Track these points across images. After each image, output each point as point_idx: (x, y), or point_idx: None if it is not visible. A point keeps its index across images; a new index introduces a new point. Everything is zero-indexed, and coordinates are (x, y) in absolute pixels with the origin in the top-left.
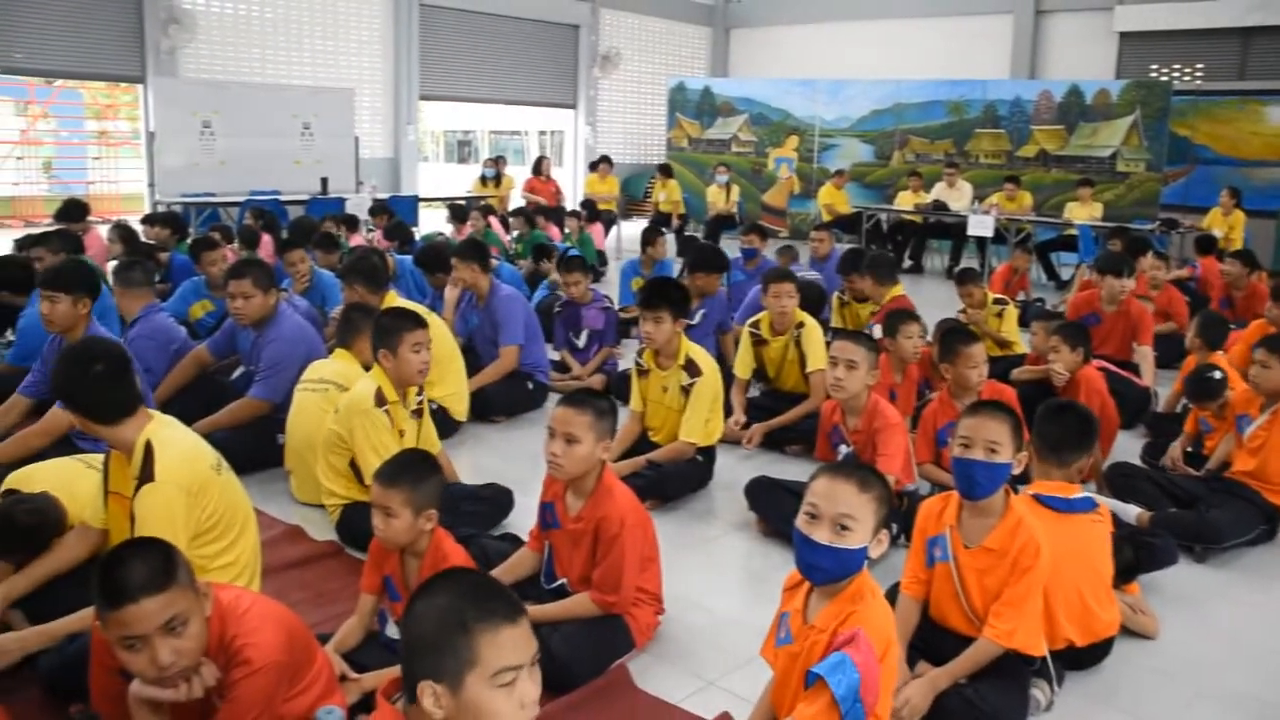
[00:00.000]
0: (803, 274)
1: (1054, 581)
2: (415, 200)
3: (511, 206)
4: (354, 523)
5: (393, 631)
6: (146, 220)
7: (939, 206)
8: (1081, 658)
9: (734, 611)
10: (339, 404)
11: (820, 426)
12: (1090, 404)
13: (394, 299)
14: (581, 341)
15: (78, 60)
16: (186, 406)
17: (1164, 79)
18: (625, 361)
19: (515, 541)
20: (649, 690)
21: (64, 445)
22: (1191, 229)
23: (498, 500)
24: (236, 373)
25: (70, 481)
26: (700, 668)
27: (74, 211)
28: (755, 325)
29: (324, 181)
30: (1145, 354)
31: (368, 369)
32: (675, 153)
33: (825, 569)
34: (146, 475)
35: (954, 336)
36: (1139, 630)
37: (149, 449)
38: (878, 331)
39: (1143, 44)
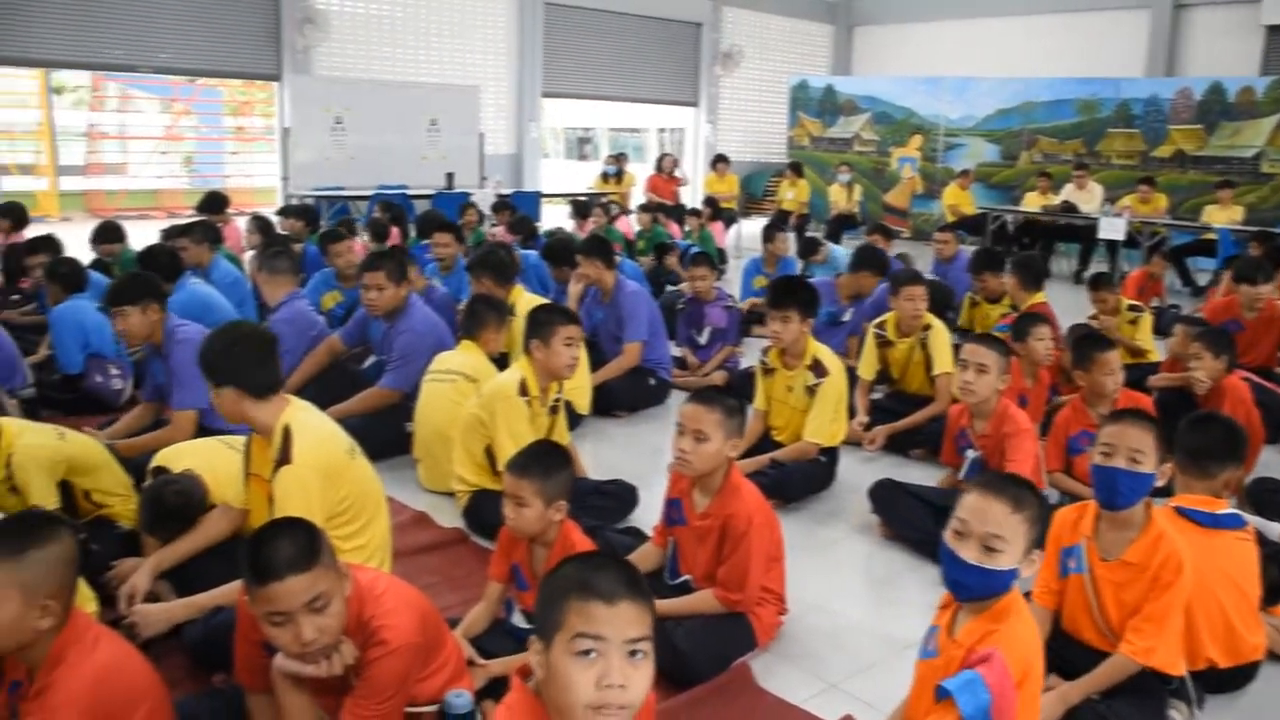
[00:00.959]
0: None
1: (1197, 599)
2: (538, 196)
3: (632, 204)
4: (482, 510)
5: (519, 620)
6: (282, 212)
7: (1068, 208)
8: (1224, 681)
9: (856, 615)
10: (483, 388)
11: (947, 430)
12: (1235, 415)
13: (520, 293)
14: (704, 339)
15: (219, 60)
16: (318, 393)
17: None
18: (747, 360)
19: (639, 536)
20: (771, 690)
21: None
22: None
23: (623, 496)
24: (368, 361)
25: (212, 461)
26: (823, 670)
27: (214, 203)
28: (881, 326)
29: (449, 177)
30: None
31: (493, 360)
32: (796, 151)
33: (970, 587)
34: (284, 457)
35: (1089, 342)
36: None
37: (287, 432)
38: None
39: None
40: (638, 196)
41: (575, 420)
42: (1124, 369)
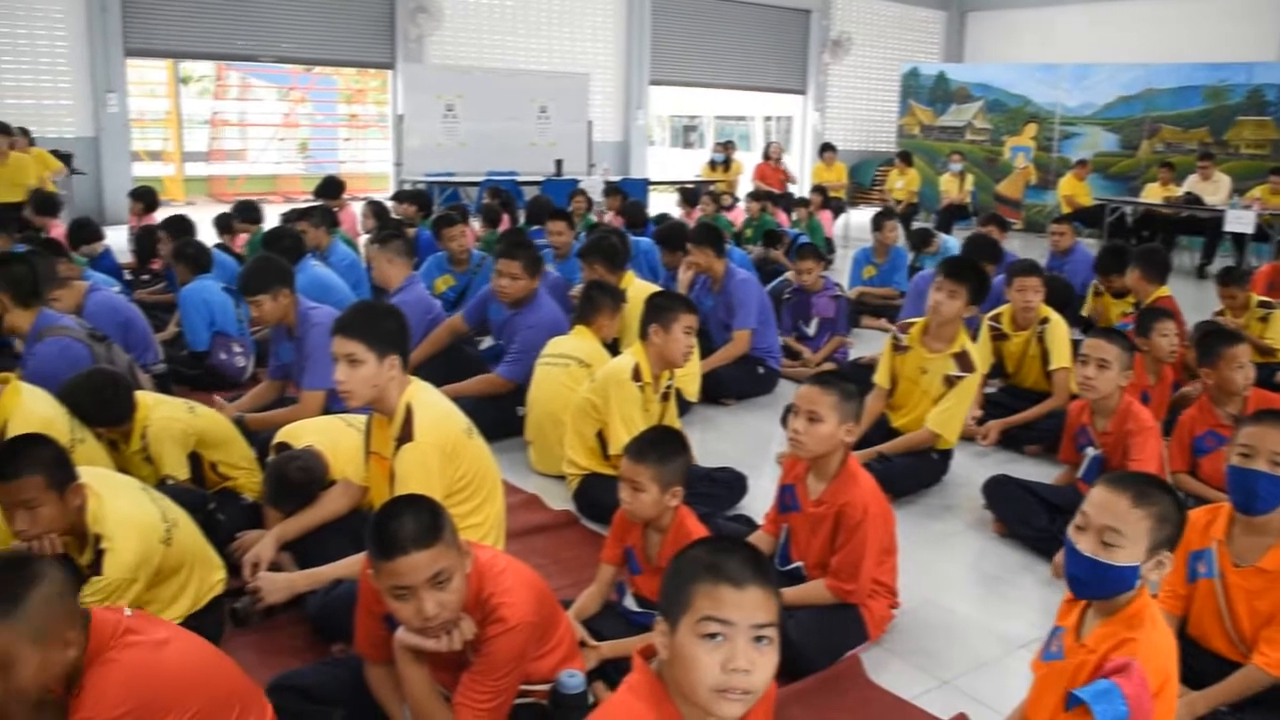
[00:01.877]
0: None
1: None
2: (645, 183)
3: (739, 192)
4: (592, 494)
5: (630, 603)
6: (396, 197)
7: (1192, 200)
8: None
9: (970, 611)
10: (596, 373)
11: (1066, 427)
12: None
13: (631, 279)
14: (812, 329)
15: (335, 49)
16: (433, 372)
17: None
18: (856, 350)
19: (750, 524)
20: (882, 684)
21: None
22: None
23: (732, 483)
24: (485, 343)
25: (334, 438)
26: (935, 666)
27: (331, 188)
28: (996, 319)
29: (558, 163)
30: None
31: (606, 346)
32: (906, 140)
33: (1084, 582)
34: (406, 435)
35: (1216, 338)
36: None
37: (409, 411)
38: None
39: None
40: (745, 185)
41: (684, 407)
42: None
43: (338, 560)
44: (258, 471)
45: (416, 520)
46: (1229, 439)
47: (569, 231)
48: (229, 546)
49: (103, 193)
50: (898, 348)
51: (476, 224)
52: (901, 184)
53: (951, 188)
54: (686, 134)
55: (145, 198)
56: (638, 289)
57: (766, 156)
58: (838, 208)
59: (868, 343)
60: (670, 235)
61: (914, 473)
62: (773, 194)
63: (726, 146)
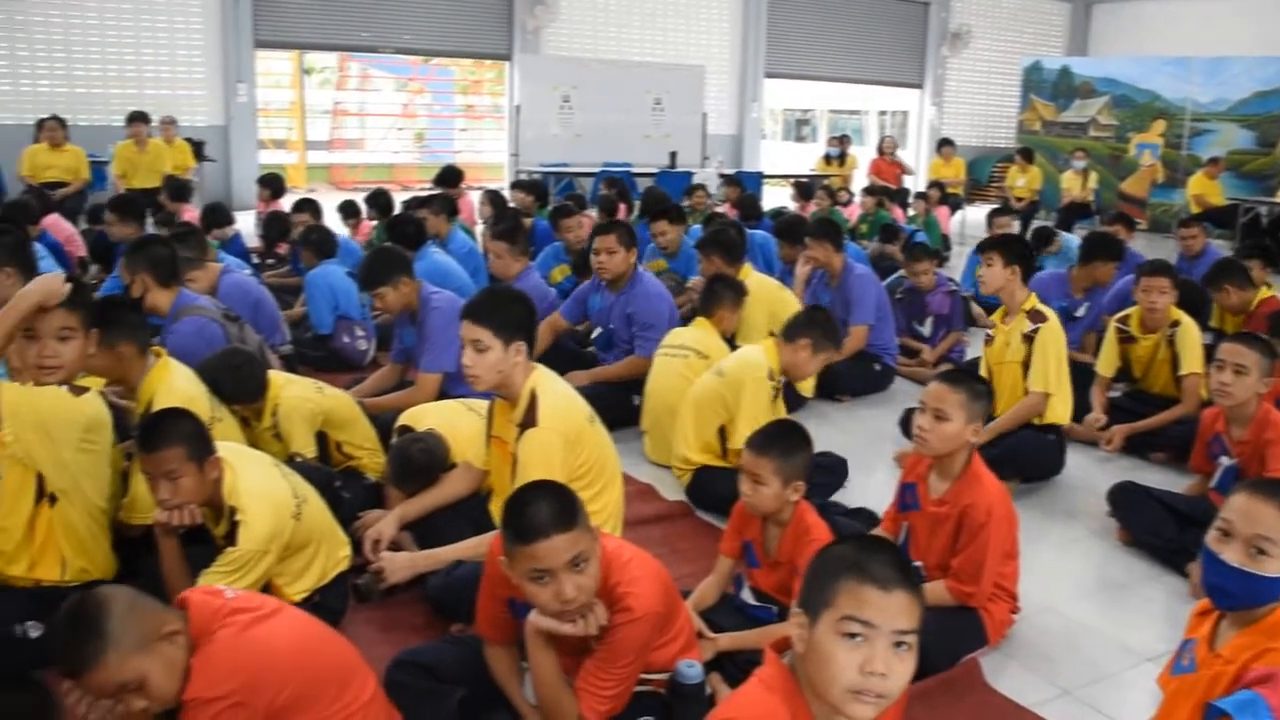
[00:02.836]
0: None
1: None
2: (759, 177)
3: (853, 186)
4: (706, 486)
5: (748, 596)
6: (514, 187)
7: None
8: None
9: (1093, 620)
10: (723, 366)
11: (1199, 435)
12: None
13: (749, 272)
14: (926, 328)
15: (455, 40)
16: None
17: None
18: (973, 350)
19: (870, 518)
20: (1001, 690)
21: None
22: None
23: (834, 468)
24: (595, 332)
25: (454, 422)
26: (1056, 674)
27: (451, 177)
28: (1124, 321)
29: (673, 155)
30: None
31: (726, 339)
32: (1027, 136)
33: (1232, 594)
34: (529, 421)
35: None
36: None
37: (533, 397)
38: None
39: None
40: (859, 179)
41: (798, 402)
42: None
43: (457, 542)
44: (380, 453)
45: (554, 504)
46: None
47: (673, 229)
48: (352, 524)
49: (231, 179)
50: (988, 340)
51: (593, 214)
52: (1022, 181)
53: (1074, 186)
54: (799, 128)
55: (273, 184)
56: (755, 282)
57: (881, 151)
58: (955, 204)
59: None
60: (788, 228)
61: (1033, 452)
62: (888, 189)
63: (842, 141)
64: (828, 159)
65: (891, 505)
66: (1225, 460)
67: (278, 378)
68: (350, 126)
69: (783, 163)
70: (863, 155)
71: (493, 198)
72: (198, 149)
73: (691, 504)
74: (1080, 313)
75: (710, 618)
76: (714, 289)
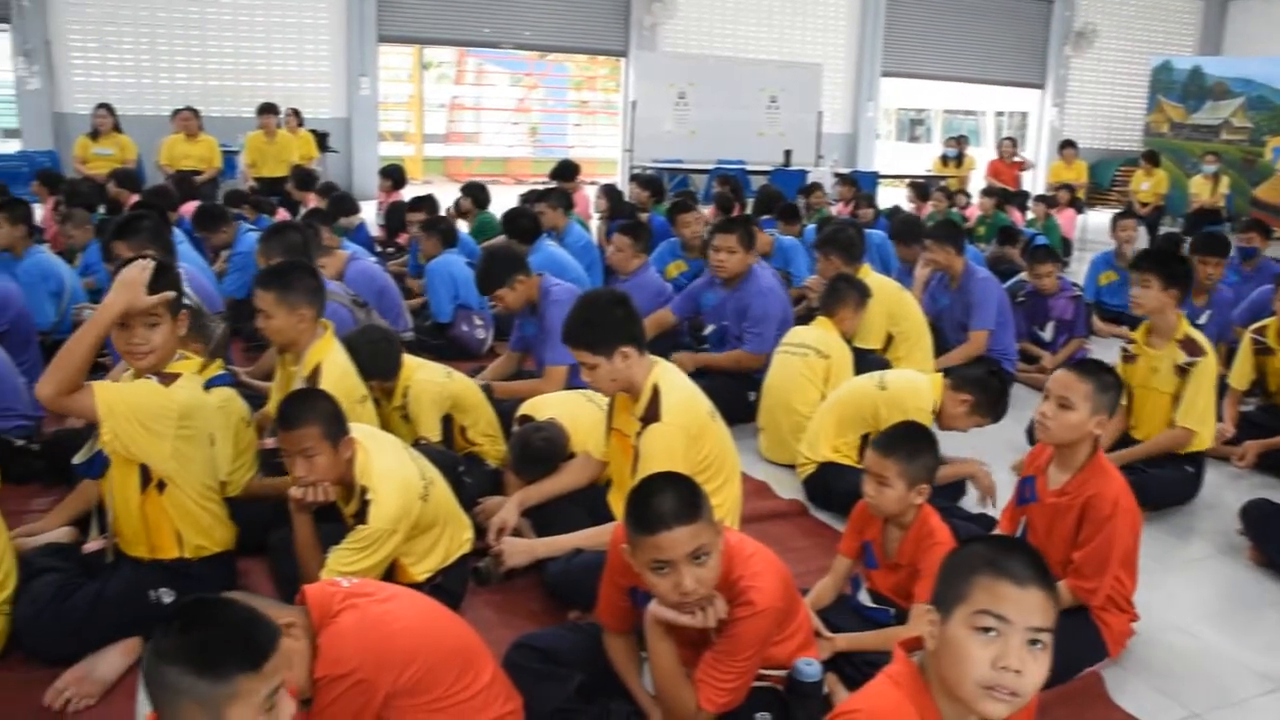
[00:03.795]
0: None
1: None
2: (875, 177)
3: (970, 188)
4: (827, 482)
5: (864, 597)
6: (632, 182)
7: None
8: None
9: (1222, 642)
10: (888, 380)
11: None
12: None
13: (867, 272)
14: (1048, 333)
15: (572, 36)
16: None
17: None
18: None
19: (989, 525)
20: (1123, 707)
21: None
22: None
23: None
24: (708, 329)
25: (574, 413)
26: (1182, 694)
27: (567, 171)
28: (1260, 331)
29: (787, 154)
30: None
31: (846, 339)
32: (1153, 138)
33: None
34: (652, 415)
35: None
36: None
37: (656, 391)
38: None
39: None
40: (977, 181)
41: None
42: None
43: (574, 530)
44: (501, 440)
45: (678, 496)
46: None
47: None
48: (473, 509)
49: (352, 170)
50: (1126, 357)
51: (707, 211)
52: (1147, 185)
53: (1203, 191)
54: (913, 127)
55: (394, 175)
56: (874, 283)
57: (1000, 153)
58: (1077, 208)
59: (1105, 349)
60: (906, 229)
61: (1167, 483)
62: (1006, 191)
63: (959, 141)
64: (944, 160)
65: (1009, 502)
66: None
67: (410, 361)
68: (466, 121)
69: (897, 163)
70: (980, 156)
71: (609, 192)
72: (322, 140)
73: (808, 499)
74: (1203, 320)
75: (826, 617)
76: (837, 288)
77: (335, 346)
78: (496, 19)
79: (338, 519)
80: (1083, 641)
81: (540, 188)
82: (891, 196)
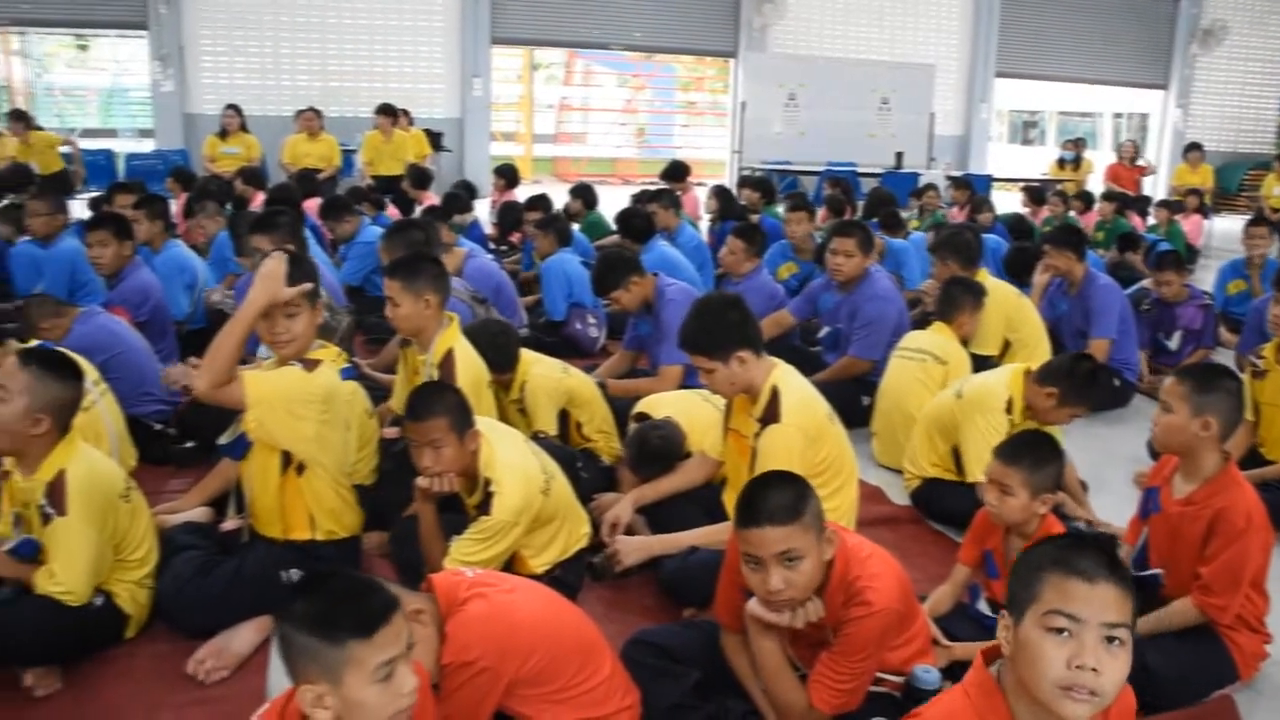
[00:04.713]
0: None
1: None
2: (988, 180)
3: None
4: (933, 498)
5: (983, 606)
6: (742, 184)
7: None
8: None
9: None
10: (964, 388)
11: None
12: None
13: (985, 276)
14: (1174, 343)
15: (682, 37)
16: None
17: None
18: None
19: (1109, 539)
20: None
21: None
22: None
23: None
24: (823, 332)
25: (690, 412)
26: None
27: (677, 172)
28: None
29: (899, 156)
30: None
31: (964, 344)
32: None
33: None
34: (771, 416)
35: None
36: None
37: (775, 392)
38: None
39: None
40: (1094, 185)
41: None
42: None
43: (688, 528)
44: (615, 437)
45: (780, 496)
46: None
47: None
48: (588, 505)
49: (464, 170)
50: (1256, 374)
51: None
52: None
53: None
54: (1026, 130)
55: (508, 175)
56: (991, 288)
57: (1120, 156)
58: (1203, 213)
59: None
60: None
61: None
62: (1127, 196)
63: (1077, 144)
64: (1061, 163)
65: (1134, 515)
66: None
67: (526, 355)
68: (574, 121)
69: (1009, 165)
70: (1098, 160)
71: (720, 193)
72: (435, 140)
73: (918, 511)
74: None
75: (944, 625)
76: (950, 293)
77: (462, 338)
78: (607, 20)
79: (459, 509)
80: (1212, 661)
81: (650, 188)
82: (1004, 201)
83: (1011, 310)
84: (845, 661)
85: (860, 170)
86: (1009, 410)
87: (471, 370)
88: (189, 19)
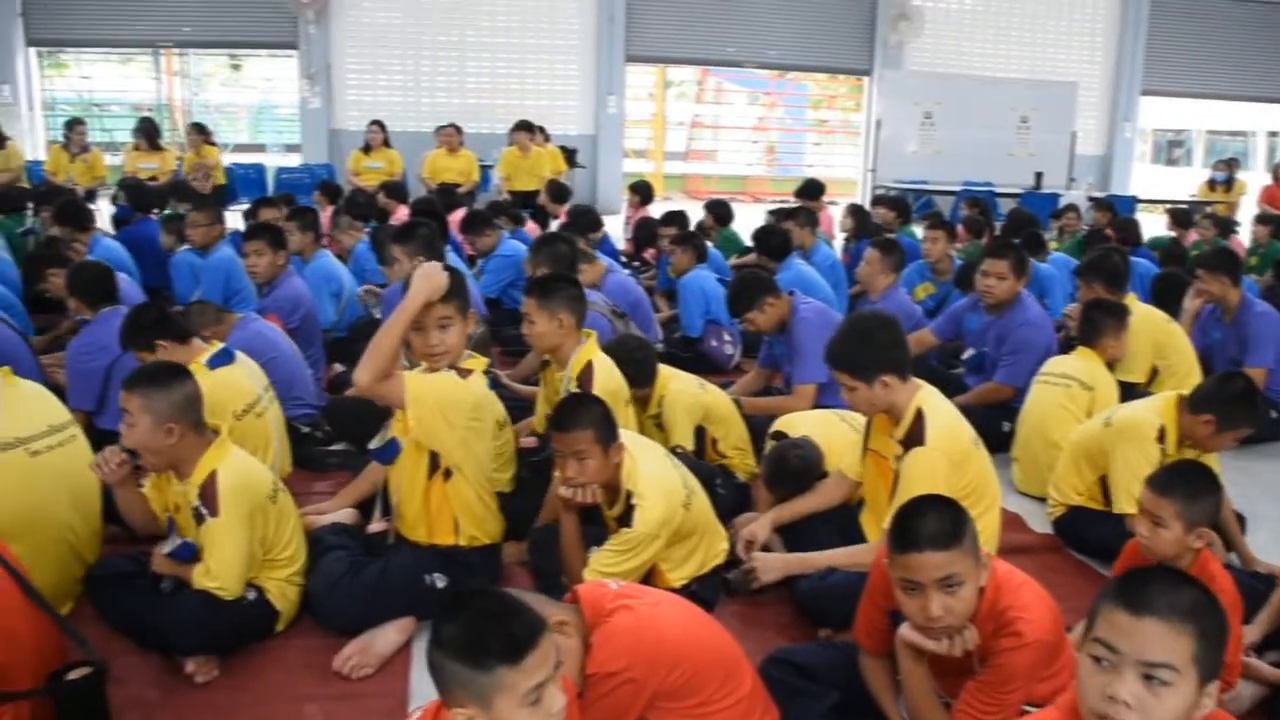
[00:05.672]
0: None
1: None
2: (1133, 201)
3: (1239, 215)
4: (1079, 528)
5: None
6: (876, 203)
7: None
8: None
9: None
10: (1114, 417)
11: None
12: None
13: (1133, 300)
14: None
15: (816, 55)
16: None
17: None
18: None
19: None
20: None
21: None
22: None
23: None
24: (967, 353)
25: (827, 431)
26: None
27: (812, 190)
28: None
29: (1038, 176)
30: None
31: (1110, 367)
32: None
33: None
34: (915, 439)
35: None
36: None
37: (920, 415)
38: None
39: None
40: (1246, 207)
41: None
42: None
43: (823, 549)
44: (751, 454)
45: (940, 520)
46: None
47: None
48: (727, 524)
49: (597, 185)
50: None
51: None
52: None
53: None
54: (1170, 149)
55: (642, 191)
56: (1139, 312)
57: (1275, 176)
58: None
59: None
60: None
61: None
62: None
63: (1230, 164)
64: (1212, 184)
65: None
66: None
67: (664, 370)
68: (705, 138)
69: (1152, 186)
70: (1253, 181)
71: (855, 212)
72: (570, 156)
73: (1059, 540)
74: None
75: None
76: (1092, 316)
77: (599, 350)
78: (741, 39)
79: (598, 521)
80: None
81: (784, 206)
82: (1149, 224)
83: (1160, 336)
84: (994, 693)
85: (998, 190)
86: (1161, 439)
87: (610, 383)
88: (336, 39)
